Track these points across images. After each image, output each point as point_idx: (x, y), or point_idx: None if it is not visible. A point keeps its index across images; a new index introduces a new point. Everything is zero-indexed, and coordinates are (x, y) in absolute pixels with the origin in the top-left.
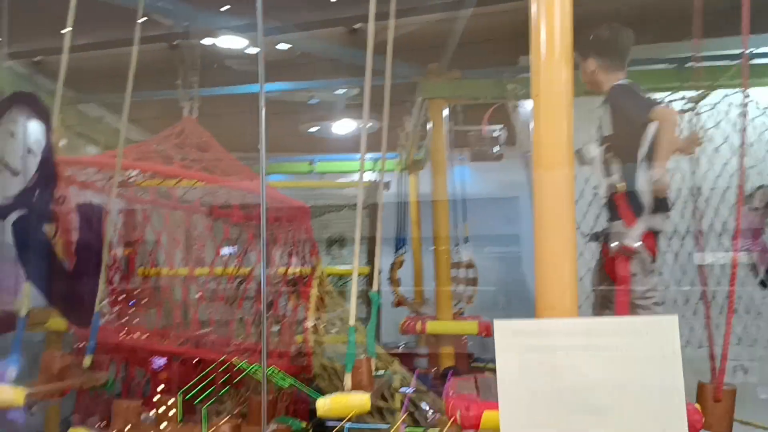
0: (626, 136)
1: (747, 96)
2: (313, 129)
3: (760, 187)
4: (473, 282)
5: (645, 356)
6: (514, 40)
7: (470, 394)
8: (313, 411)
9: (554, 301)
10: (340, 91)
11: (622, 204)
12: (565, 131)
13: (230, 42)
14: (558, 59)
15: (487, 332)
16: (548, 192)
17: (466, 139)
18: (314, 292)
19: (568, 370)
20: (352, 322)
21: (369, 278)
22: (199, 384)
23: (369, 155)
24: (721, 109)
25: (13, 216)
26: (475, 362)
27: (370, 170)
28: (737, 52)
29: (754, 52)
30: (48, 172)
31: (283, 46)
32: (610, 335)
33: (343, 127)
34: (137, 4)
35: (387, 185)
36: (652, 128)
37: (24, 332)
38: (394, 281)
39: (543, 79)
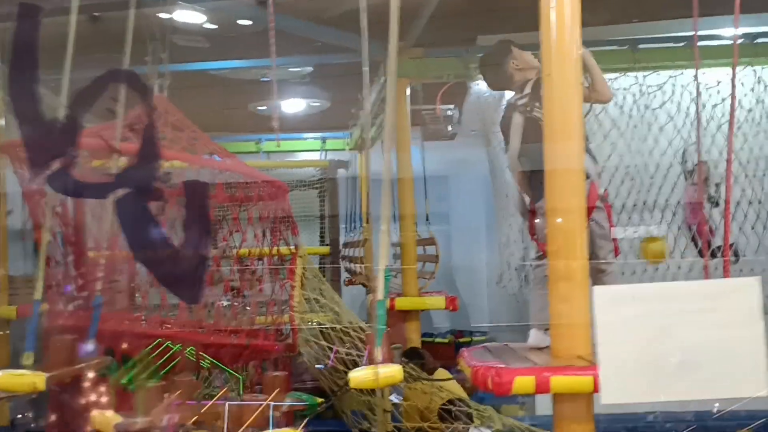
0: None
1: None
2: (262, 107)
3: (699, 163)
4: (435, 259)
5: (732, 316)
6: (472, 18)
7: (495, 361)
8: None
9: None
10: (295, 69)
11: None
12: (576, 107)
13: (186, 16)
14: (569, 38)
15: (453, 306)
16: (560, 164)
17: (420, 118)
18: (299, 270)
19: (663, 332)
20: (380, 296)
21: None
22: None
23: (318, 135)
24: (666, 90)
25: (117, 194)
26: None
27: (317, 150)
28: (685, 34)
29: (701, 34)
30: (150, 149)
31: (245, 22)
32: (701, 298)
33: (293, 105)
34: None
35: (346, 164)
36: None
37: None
38: (351, 260)
39: (555, 58)
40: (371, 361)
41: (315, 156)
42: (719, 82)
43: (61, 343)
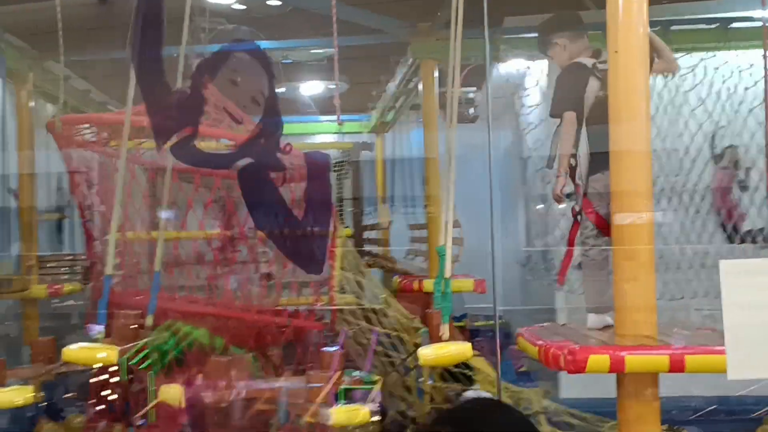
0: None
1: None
2: (280, 90)
3: (729, 147)
4: (459, 242)
5: None
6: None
7: (564, 341)
8: None
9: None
10: (319, 51)
11: None
12: (643, 86)
13: None
14: (636, 15)
15: (482, 289)
16: (626, 143)
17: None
18: (339, 251)
19: None
20: (448, 274)
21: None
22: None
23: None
24: (698, 73)
25: (240, 165)
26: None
27: (338, 132)
28: (717, 15)
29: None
30: (273, 120)
31: (274, 2)
32: None
33: (311, 88)
34: None
35: (371, 146)
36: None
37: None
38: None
39: (621, 34)
40: (437, 339)
41: (332, 138)
42: (752, 65)
43: (126, 318)
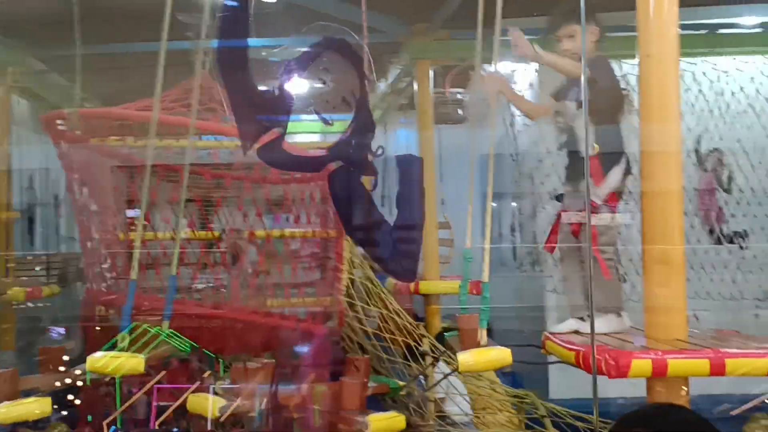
0: (604, 102)
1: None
2: (263, 88)
3: (713, 151)
4: (449, 243)
5: None
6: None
7: (602, 345)
8: None
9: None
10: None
11: (594, 164)
12: (674, 89)
13: None
14: (667, 17)
15: (477, 290)
16: (657, 144)
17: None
18: (347, 254)
19: None
20: (486, 278)
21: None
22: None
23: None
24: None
25: (331, 167)
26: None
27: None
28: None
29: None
30: (364, 121)
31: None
32: None
33: (295, 86)
34: None
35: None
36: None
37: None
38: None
39: (653, 38)
40: (474, 345)
41: (316, 138)
42: (739, 71)
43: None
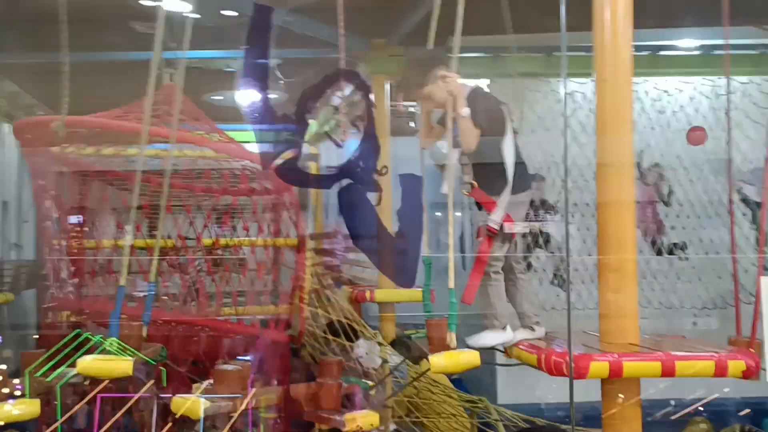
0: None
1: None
2: (217, 97)
3: (654, 165)
4: None
5: None
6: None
7: (562, 349)
8: None
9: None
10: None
11: (479, 196)
12: (628, 110)
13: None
14: (622, 42)
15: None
16: (611, 156)
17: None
18: (309, 261)
19: None
20: (451, 285)
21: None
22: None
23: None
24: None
25: (339, 185)
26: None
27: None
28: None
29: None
30: (371, 144)
31: (230, 13)
32: None
33: (248, 96)
34: None
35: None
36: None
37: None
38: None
39: (608, 62)
40: (441, 348)
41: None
42: (679, 90)
43: (130, 330)
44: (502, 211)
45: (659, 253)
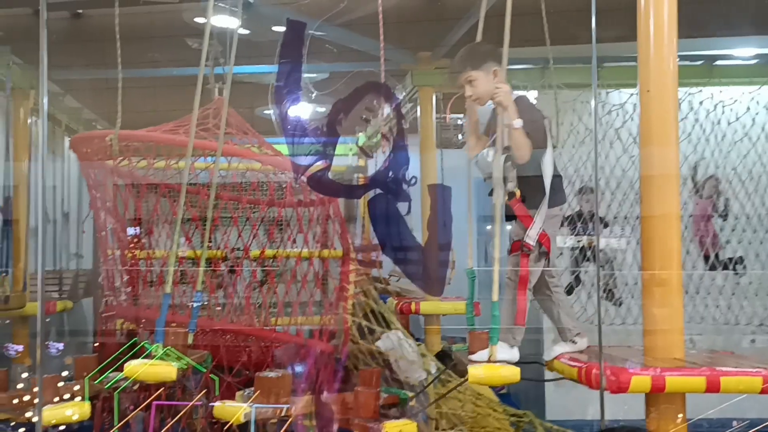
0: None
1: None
2: (268, 111)
3: (710, 178)
4: (451, 264)
5: None
6: (496, 29)
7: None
8: None
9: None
10: (311, 75)
11: (518, 208)
12: (673, 121)
13: (222, 21)
14: (667, 53)
15: (477, 311)
16: (656, 168)
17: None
18: (353, 274)
19: None
20: (495, 297)
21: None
22: None
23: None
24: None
25: (369, 195)
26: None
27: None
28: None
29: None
30: (401, 155)
31: (280, 29)
32: None
33: (298, 110)
34: None
35: (364, 170)
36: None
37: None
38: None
39: (653, 74)
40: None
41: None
42: (735, 101)
43: (176, 336)
44: (539, 227)
45: (714, 268)
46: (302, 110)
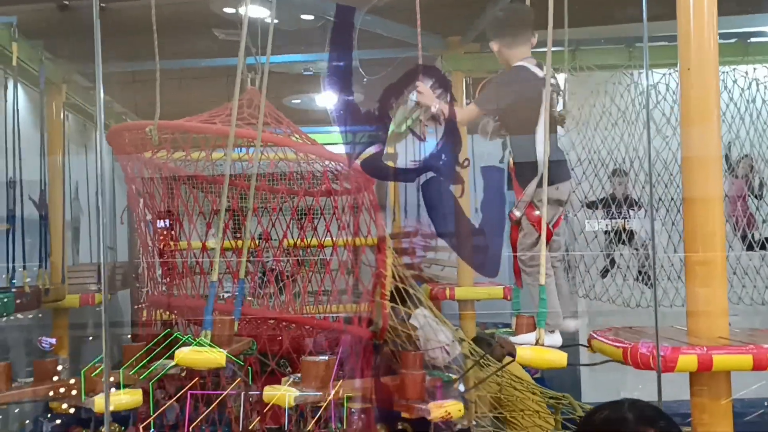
0: (521, 112)
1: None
2: (296, 101)
3: (744, 157)
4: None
5: None
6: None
7: (650, 341)
8: None
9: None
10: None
11: (511, 176)
12: (715, 101)
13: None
14: (707, 31)
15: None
16: (697, 152)
17: None
18: (390, 261)
19: None
20: (542, 281)
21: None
22: None
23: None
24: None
25: (422, 178)
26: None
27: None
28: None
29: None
30: (453, 137)
31: (307, 17)
32: None
33: (325, 99)
34: None
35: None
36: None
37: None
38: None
39: (693, 52)
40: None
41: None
42: None
43: (222, 324)
44: (527, 201)
45: (750, 248)
46: (354, 96)
